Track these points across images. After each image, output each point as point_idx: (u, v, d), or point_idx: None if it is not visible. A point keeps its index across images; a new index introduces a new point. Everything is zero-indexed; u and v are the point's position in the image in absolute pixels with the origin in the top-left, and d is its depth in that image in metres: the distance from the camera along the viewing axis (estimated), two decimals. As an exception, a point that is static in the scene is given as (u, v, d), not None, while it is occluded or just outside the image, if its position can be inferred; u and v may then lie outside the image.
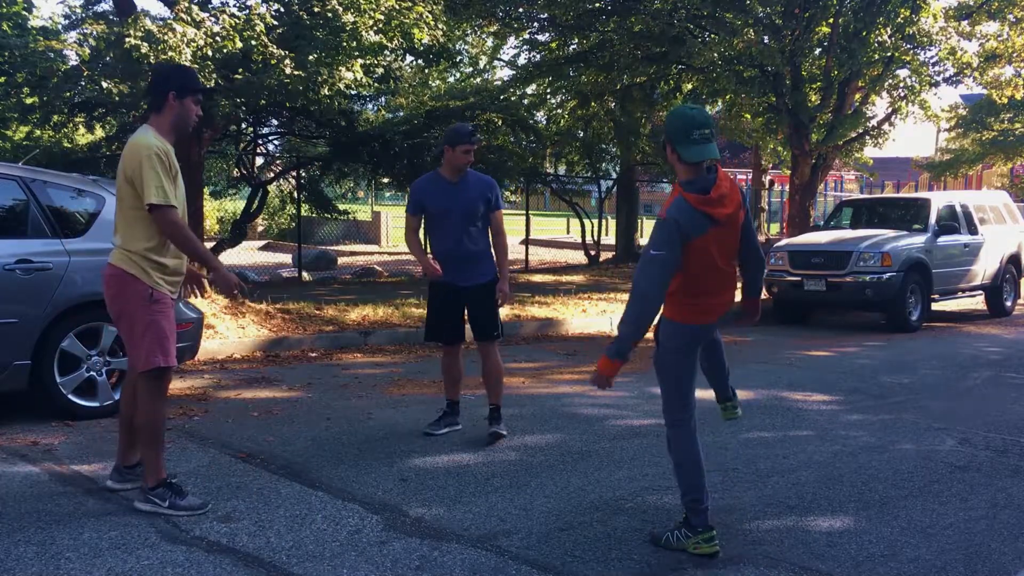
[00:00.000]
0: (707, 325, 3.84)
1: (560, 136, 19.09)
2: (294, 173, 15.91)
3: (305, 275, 15.32)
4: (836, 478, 4.93)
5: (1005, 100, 18.67)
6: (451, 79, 24.32)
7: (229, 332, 8.67)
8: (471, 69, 24.93)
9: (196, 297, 4.85)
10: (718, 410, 4.34)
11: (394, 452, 5.32)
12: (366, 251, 24.05)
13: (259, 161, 16.57)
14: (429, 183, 5.66)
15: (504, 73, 28.83)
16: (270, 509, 4.27)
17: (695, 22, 15.48)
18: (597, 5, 16.67)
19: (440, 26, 11.41)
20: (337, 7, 9.52)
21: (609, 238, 23.24)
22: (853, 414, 6.55)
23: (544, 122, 20.39)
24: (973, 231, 12.70)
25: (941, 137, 35.28)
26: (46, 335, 5.75)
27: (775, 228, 28.74)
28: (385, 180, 16.79)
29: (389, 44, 10.43)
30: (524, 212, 20.29)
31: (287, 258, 19.34)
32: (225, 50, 9.14)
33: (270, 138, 16.29)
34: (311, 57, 9.42)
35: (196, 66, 8.60)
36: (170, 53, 8.54)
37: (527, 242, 19.51)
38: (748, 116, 17.86)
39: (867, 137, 16.76)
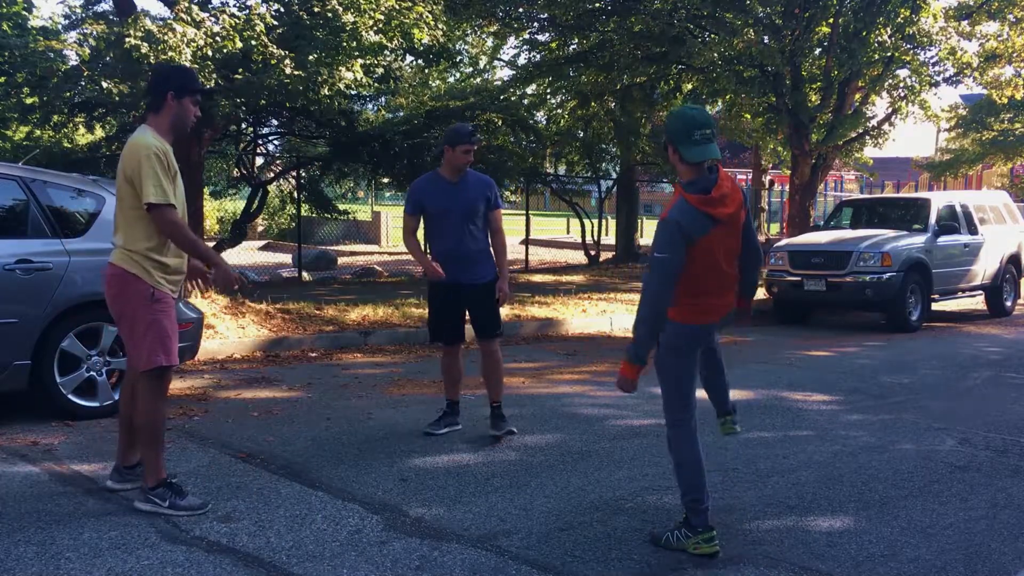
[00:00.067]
0: (708, 325, 3.84)
1: (560, 136, 19.07)
2: (294, 173, 15.90)
3: (305, 275, 15.31)
4: (836, 478, 4.93)
5: (1005, 100, 18.69)
6: (451, 79, 24.30)
7: (229, 332, 8.67)
8: (471, 69, 24.92)
9: (198, 292, 4.86)
10: (717, 425, 4.32)
11: (394, 452, 5.32)
12: (366, 251, 24.04)
13: (259, 161, 16.57)
14: (428, 183, 5.66)
15: (504, 73, 28.83)
16: (270, 509, 4.27)
17: (695, 22, 15.49)
18: (597, 5, 16.67)
19: (440, 26, 11.42)
20: (337, 7, 9.52)
21: (609, 238, 23.23)
22: (853, 414, 6.54)
23: (544, 122, 20.38)
24: (973, 231, 12.70)
25: (941, 137, 35.32)
26: (46, 335, 5.75)
27: (775, 228, 28.75)
28: (385, 180, 16.79)
29: (389, 44, 10.44)
30: (524, 212, 20.27)
31: (287, 258, 19.32)
32: (225, 50, 9.15)
33: (270, 138, 16.29)
34: (311, 57, 9.43)
35: (196, 66, 8.61)
36: (170, 53, 8.55)
37: (527, 242, 19.49)
38: (748, 116, 17.87)
39: (867, 137, 16.77)
